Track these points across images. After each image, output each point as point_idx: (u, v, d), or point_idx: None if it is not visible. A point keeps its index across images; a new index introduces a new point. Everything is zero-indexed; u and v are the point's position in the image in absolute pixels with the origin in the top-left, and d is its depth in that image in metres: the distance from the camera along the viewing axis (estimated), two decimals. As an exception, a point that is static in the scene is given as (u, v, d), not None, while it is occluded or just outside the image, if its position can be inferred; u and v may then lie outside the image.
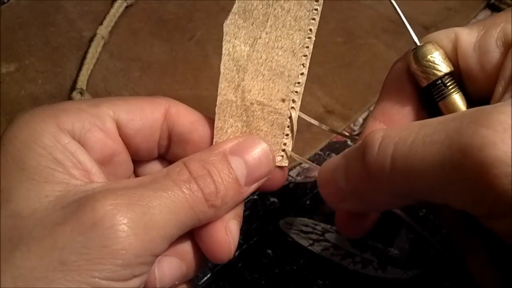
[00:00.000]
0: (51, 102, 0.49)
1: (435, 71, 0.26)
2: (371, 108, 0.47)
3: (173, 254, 0.28)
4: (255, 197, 0.43)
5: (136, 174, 0.31)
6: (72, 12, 0.56)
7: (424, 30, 0.50)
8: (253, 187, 0.28)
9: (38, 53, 0.53)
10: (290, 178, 0.44)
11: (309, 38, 0.29)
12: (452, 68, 0.27)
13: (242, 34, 0.29)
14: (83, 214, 0.23)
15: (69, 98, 0.48)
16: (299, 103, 0.29)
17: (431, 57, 0.27)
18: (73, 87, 0.49)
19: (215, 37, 0.52)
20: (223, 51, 0.29)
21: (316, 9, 0.28)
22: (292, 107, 0.29)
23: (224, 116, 0.29)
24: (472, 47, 0.26)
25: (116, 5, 0.54)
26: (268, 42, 0.29)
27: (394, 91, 0.29)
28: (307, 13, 0.28)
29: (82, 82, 0.49)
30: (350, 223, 0.30)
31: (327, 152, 0.45)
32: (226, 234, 0.28)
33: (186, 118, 0.29)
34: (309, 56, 0.29)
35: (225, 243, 0.28)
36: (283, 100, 0.29)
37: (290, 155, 0.30)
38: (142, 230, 0.24)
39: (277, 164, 0.30)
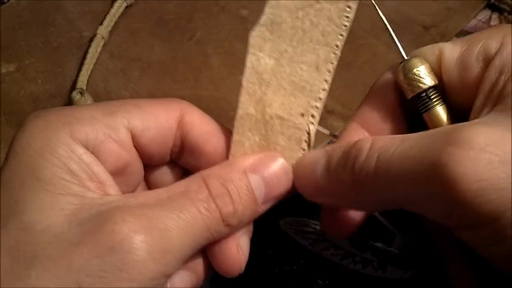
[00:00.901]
0: (51, 102, 0.49)
1: (420, 84, 0.27)
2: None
3: (184, 268, 0.27)
4: (255, 197, 0.43)
5: (146, 178, 0.31)
6: (72, 12, 0.56)
7: (424, 30, 0.50)
8: (269, 204, 0.28)
9: (38, 53, 0.53)
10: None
11: (334, 54, 0.28)
12: (437, 82, 0.28)
13: (268, 47, 0.28)
14: (101, 236, 0.23)
15: (69, 98, 0.48)
16: (318, 118, 0.29)
17: (416, 70, 0.27)
18: (73, 87, 0.49)
19: (215, 37, 0.52)
20: (247, 63, 0.28)
21: (346, 26, 0.28)
22: (311, 122, 0.29)
23: (243, 129, 0.29)
24: (454, 62, 0.27)
25: (116, 5, 0.54)
26: (293, 57, 0.28)
27: (378, 98, 0.30)
28: (336, 29, 0.28)
29: (82, 82, 0.49)
30: (335, 223, 0.30)
31: (327, 152, 0.45)
32: (238, 252, 0.28)
33: (200, 129, 0.29)
34: (333, 72, 0.28)
35: (236, 260, 0.28)
36: (302, 115, 0.29)
37: None
38: (159, 254, 0.24)
39: None
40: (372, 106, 0.30)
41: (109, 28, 0.53)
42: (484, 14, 0.53)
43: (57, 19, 0.55)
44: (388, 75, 0.30)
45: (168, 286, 0.26)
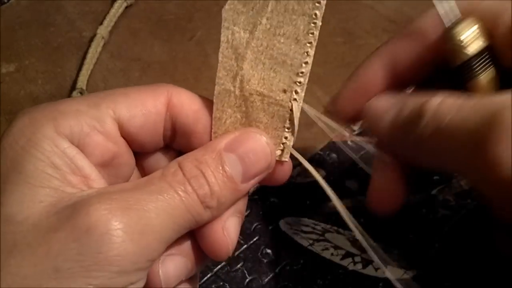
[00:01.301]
0: (51, 102, 0.49)
1: (476, 45, 0.27)
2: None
3: (177, 253, 0.27)
4: (255, 197, 0.43)
5: (141, 165, 0.31)
6: (72, 12, 0.56)
7: (424, 30, 0.50)
8: (252, 183, 0.28)
9: (38, 53, 0.53)
10: (290, 178, 0.44)
11: (314, 23, 0.26)
12: (486, 44, 0.27)
13: (242, 20, 0.27)
14: (77, 219, 0.23)
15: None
16: (303, 94, 0.28)
17: (472, 32, 0.27)
18: (73, 87, 0.49)
19: (215, 37, 0.51)
20: (221, 38, 0.27)
21: None
22: (294, 99, 0.28)
23: (222, 106, 0.28)
24: (508, 26, 0.27)
25: (116, 5, 0.54)
26: (269, 29, 0.27)
27: (417, 39, 0.30)
28: None
29: (82, 82, 0.49)
30: (382, 199, 0.31)
31: (327, 152, 0.45)
32: (223, 234, 0.27)
33: (190, 108, 0.28)
34: (315, 44, 0.27)
35: (222, 243, 0.27)
36: (285, 91, 0.27)
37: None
38: (138, 235, 0.23)
39: (276, 158, 0.29)
40: (407, 45, 0.30)
41: (109, 28, 0.53)
42: (484, 14, 0.53)
43: (57, 19, 0.55)
44: (430, 19, 0.30)
45: (160, 271, 0.26)
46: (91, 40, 0.52)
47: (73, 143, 0.26)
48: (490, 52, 0.27)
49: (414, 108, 0.27)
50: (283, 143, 0.29)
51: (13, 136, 0.25)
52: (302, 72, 0.27)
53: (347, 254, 0.40)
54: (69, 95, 0.49)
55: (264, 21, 0.27)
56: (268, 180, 0.29)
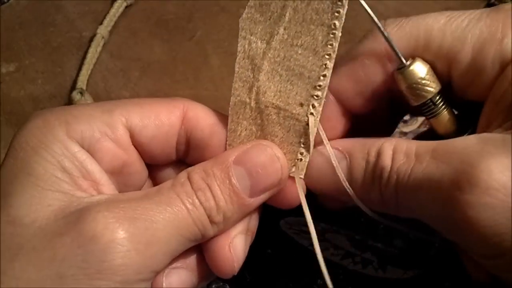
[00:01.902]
0: (51, 102, 0.49)
1: (425, 93, 0.26)
2: (371, 108, 0.47)
3: (182, 266, 0.27)
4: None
5: (153, 178, 0.30)
6: (72, 12, 0.56)
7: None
8: (261, 198, 0.27)
9: (38, 53, 0.53)
10: (290, 178, 0.44)
11: (333, 34, 0.26)
12: (440, 86, 0.27)
13: (259, 29, 0.26)
14: (84, 225, 0.23)
15: (69, 98, 0.48)
16: (320, 109, 0.26)
17: (420, 79, 0.26)
18: (73, 87, 0.49)
19: (215, 37, 0.51)
20: (238, 48, 0.26)
21: (341, 1, 0.25)
22: (311, 113, 0.26)
23: (237, 118, 0.27)
24: (467, 64, 0.26)
25: (116, 5, 0.54)
26: (286, 39, 0.26)
27: (356, 70, 0.28)
28: (331, 5, 0.25)
29: (82, 82, 0.49)
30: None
31: (327, 152, 0.45)
32: (229, 252, 0.27)
33: (205, 122, 0.28)
34: (334, 56, 0.26)
35: (227, 260, 0.27)
36: (301, 105, 0.26)
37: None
38: (143, 246, 0.23)
39: (290, 174, 0.27)
40: (349, 77, 0.28)
41: (109, 28, 0.53)
42: (484, 14, 0.53)
43: (57, 19, 0.55)
44: (370, 44, 0.28)
45: (164, 284, 0.26)
46: (91, 40, 0.52)
47: (84, 147, 0.26)
48: (445, 90, 0.27)
49: (368, 160, 0.26)
50: (298, 159, 0.27)
51: (24, 137, 0.25)
52: (320, 86, 0.26)
53: (347, 254, 0.40)
54: (69, 95, 0.49)
55: (281, 31, 0.26)
56: (279, 201, 0.28)
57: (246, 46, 0.26)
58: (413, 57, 0.26)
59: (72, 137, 0.25)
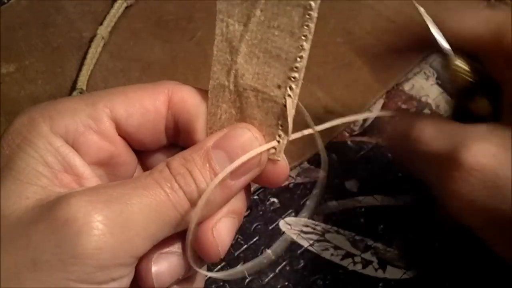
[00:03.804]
0: (50, 101, 0.49)
1: (466, 79, 0.30)
2: (371, 109, 0.47)
3: (172, 251, 0.27)
4: (255, 197, 0.43)
5: (145, 164, 0.30)
6: (72, 12, 0.56)
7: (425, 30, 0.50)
8: (244, 179, 0.27)
9: (38, 53, 0.53)
10: (290, 178, 0.44)
11: (309, 15, 0.25)
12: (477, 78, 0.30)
13: (236, 12, 0.26)
14: (58, 211, 0.22)
15: (69, 98, 0.48)
16: (298, 90, 0.26)
17: (459, 71, 0.30)
18: (73, 87, 0.49)
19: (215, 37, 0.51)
20: (216, 31, 0.26)
21: None
22: (289, 95, 0.26)
23: (217, 101, 0.27)
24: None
25: (116, 5, 0.54)
26: (263, 21, 0.25)
27: None
28: None
29: (82, 82, 0.49)
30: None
31: (327, 152, 0.45)
32: (212, 236, 0.26)
33: (191, 103, 0.28)
34: (310, 37, 0.25)
35: (211, 245, 0.26)
36: (279, 87, 0.26)
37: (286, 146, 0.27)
38: (119, 229, 0.23)
39: (269, 157, 0.27)
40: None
41: (109, 28, 0.53)
42: (484, 14, 0.53)
43: (57, 19, 0.55)
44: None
45: (153, 269, 0.26)
46: (91, 40, 0.52)
47: (68, 142, 0.26)
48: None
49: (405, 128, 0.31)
50: (277, 141, 0.27)
51: (11, 135, 0.26)
52: (296, 67, 0.26)
53: (347, 254, 0.40)
54: (69, 95, 0.49)
55: (258, 12, 0.25)
56: (263, 180, 0.28)
57: (224, 29, 0.26)
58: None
59: (56, 132, 0.26)
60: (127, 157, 0.29)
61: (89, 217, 0.22)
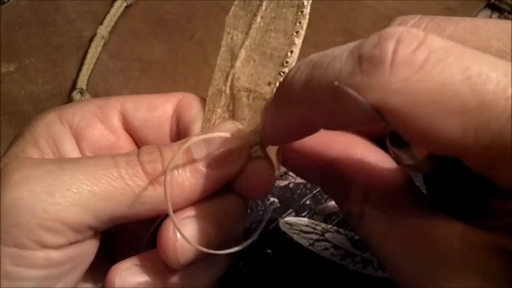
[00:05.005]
0: (51, 102, 0.49)
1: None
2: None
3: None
4: (255, 197, 0.43)
5: None
6: (72, 12, 0.56)
7: (424, 30, 0.50)
8: (220, 172, 0.24)
9: (38, 53, 0.53)
10: (290, 178, 0.44)
11: (301, 12, 0.25)
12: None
13: (241, 23, 0.27)
14: None
15: (69, 98, 0.48)
16: None
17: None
18: (73, 87, 0.49)
19: (215, 37, 0.51)
20: (222, 43, 0.27)
21: None
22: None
23: (213, 107, 0.27)
24: None
25: (116, 5, 0.54)
26: (262, 26, 0.26)
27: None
28: None
29: (82, 82, 0.49)
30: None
31: (327, 152, 0.45)
32: (173, 233, 0.23)
33: (194, 108, 0.27)
34: (302, 33, 0.25)
35: (168, 243, 0.23)
36: (269, 84, 0.26)
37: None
38: (46, 190, 0.21)
39: (252, 154, 0.26)
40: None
41: (109, 28, 0.53)
42: (484, 14, 0.53)
43: (57, 19, 0.55)
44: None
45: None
46: (91, 40, 0.52)
47: (72, 127, 0.26)
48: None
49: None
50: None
51: (21, 131, 0.26)
52: (287, 62, 0.26)
53: (347, 254, 0.40)
54: (69, 95, 0.49)
55: (258, 19, 0.26)
56: (244, 183, 0.25)
57: (229, 40, 0.27)
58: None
59: (62, 119, 0.26)
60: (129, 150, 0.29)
61: (12, 181, 0.21)
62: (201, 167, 0.24)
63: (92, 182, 0.22)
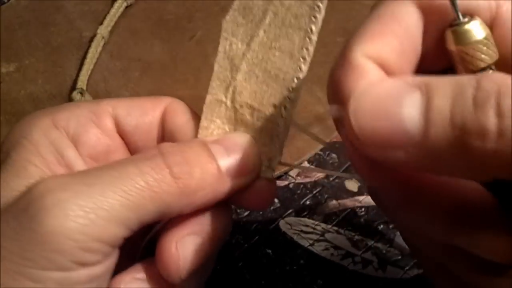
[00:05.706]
0: (51, 102, 0.49)
1: (480, 62, 0.20)
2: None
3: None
4: (255, 197, 0.43)
5: None
6: (72, 12, 0.56)
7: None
8: (235, 182, 0.25)
9: (38, 53, 0.53)
10: (290, 178, 0.44)
11: (309, 38, 0.26)
12: (497, 56, 0.21)
13: (241, 32, 0.27)
14: (22, 199, 0.22)
15: (69, 98, 0.48)
16: (293, 111, 0.26)
17: (476, 42, 0.20)
18: (73, 87, 0.49)
19: (215, 37, 0.51)
20: (219, 48, 0.27)
21: (319, 6, 0.25)
22: (282, 115, 0.26)
23: (211, 116, 0.27)
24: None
25: (116, 5, 0.54)
26: (265, 42, 0.26)
27: (394, 28, 0.21)
28: (309, 10, 0.25)
29: (82, 82, 0.49)
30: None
31: (327, 152, 0.45)
32: (175, 248, 0.24)
33: (181, 118, 0.28)
34: (308, 60, 0.26)
35: (171, 258, 0.24)
36: (275, 106, 0.26)
37: (279, 165, 0.27)
38: (80, 214, 0.22)
39: (261, 174, 0.27)
40: (388, 38, 0.22)
41: (109, 28, 0.53)
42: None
43: (57, 19, 0.55)
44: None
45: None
46: (91, 40, 0.52)
47: (69, 133, 0.26)
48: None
49: (462, 87, 0.17)
50: (268, 160, 0.27)
51: (12, 133, 0.26)
52: (292, 88, 0.26)
53: (347, 254, 0.40)
54: (69, 95, 0.49)
55: (261, 33, 0.26)
56: (248, 197, 0.26)
57: (227, 47, 0.27)
58: (471, 15, 0.21)
59: (58, 125, 0.26)
60: (123, 155, 0.29)
61: (46, 199, 0.21)
62: (225, 176, 0.25)
63: (121, 195, 0.22)
